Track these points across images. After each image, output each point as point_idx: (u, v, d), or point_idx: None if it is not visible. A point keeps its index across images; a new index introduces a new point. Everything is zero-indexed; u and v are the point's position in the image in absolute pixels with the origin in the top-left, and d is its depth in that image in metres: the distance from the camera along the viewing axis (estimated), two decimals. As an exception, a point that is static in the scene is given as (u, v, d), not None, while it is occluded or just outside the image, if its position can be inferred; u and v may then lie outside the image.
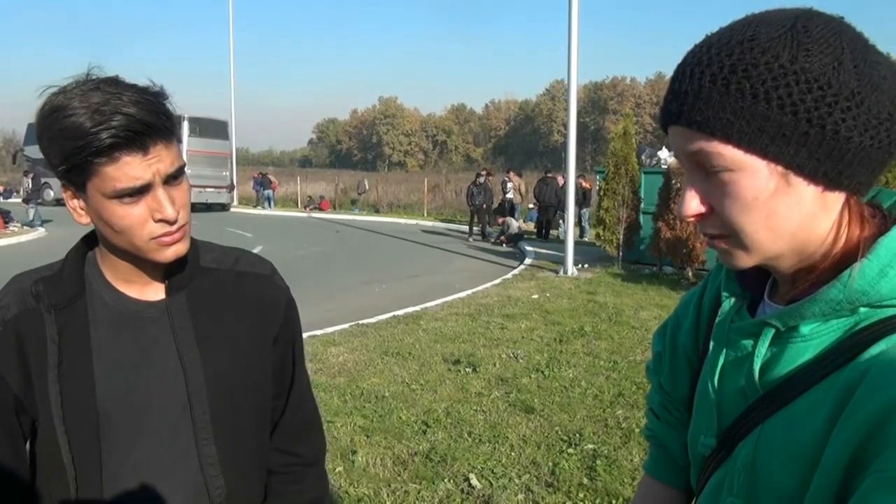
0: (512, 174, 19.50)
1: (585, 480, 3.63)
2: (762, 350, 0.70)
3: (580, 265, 11.22)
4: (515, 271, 11.39)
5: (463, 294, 9.14)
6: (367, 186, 29.49)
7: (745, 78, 0.61)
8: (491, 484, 3.59)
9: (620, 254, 11.28)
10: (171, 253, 0.97)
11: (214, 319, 1.07)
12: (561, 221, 15.56)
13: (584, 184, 16.89)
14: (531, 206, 19.31)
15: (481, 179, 17.91)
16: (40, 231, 17.42)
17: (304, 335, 1.27)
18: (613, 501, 3.41)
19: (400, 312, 7.84)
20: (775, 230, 0.65)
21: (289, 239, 16.82)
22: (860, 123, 0.60)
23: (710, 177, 0.66)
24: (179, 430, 1.03)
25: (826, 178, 0.62)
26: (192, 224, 1.01)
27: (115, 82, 0.91)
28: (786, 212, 0.64)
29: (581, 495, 3.47)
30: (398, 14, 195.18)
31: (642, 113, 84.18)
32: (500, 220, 17.06)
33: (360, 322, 7.30)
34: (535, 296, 8.96)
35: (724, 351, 0.76)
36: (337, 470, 3.71)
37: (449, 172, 44.28)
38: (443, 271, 12.08)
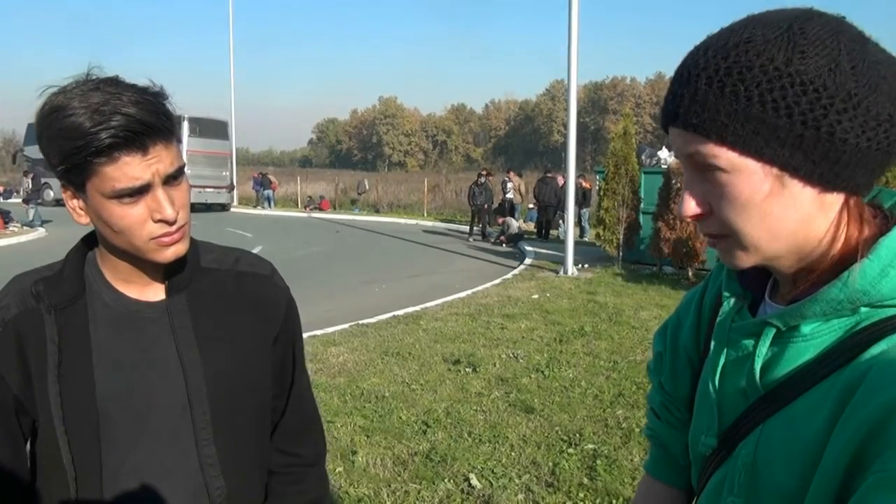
0: (512, 174, 19.50)
1: (585, 480, 3.63)
2: (763, 350, 0.70)
3: (580, 265, 11.22)
4: (515, 271, 11.40)
5: (463, 294, 9.14)
6: (367, 186, 29.50)
7: (739, 81, 0.61)
8: (491, 484, 3.59)
9: (620, 254, 11.28)
10: (170, 253, 0.97)
11: (214, 320, 1.07)
12: (561, 221, 15.56)
13: (584, 184, 16.89)
14: (531, 206, 19.31)
15: (482, 179, 17.91)
16: (40, 231, 17.42)
17: (304, 335, 1.27)
18: (614, 501, 3.41)
19: (400, 312, 7.85)
20: (772, 231, 0.65)
21: (289, 239, 16.82)
22: (857, 125, 0.60)
23: (707, 178, 0.66)
24: (179, 430, 1.03)
25: (822, 179, 0.62)
26: (191, 224, 1.01)
27: (115, 82, 0.91)
28: (782, 213, 0.64)
29: (581, 495, 3.47)
30: (398, 14, 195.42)
31: (642, 113, 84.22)
32: (500, 220, 17.06)
33: (360, 322, 7.31)
34: (536, 296, 8.96)
35: (725, 351, 0.76)
36: (337, 470, 3.71)
37: (449, 172, 44.29)
38: (443, 271, 12.08)
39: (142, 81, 0.94)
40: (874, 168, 0.63)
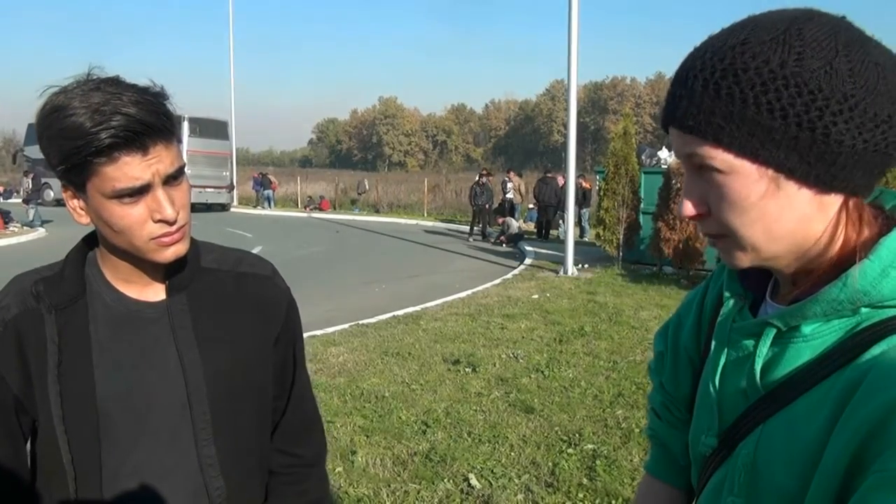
0: (512, 174, 19.50)
1: (585, 480, 3.63)
2: (764, 350, 0.70)
3: (580, 265, 11.22)
4: (515, 271, 11.40)
5: (463, 294, 9.14)
6: (367, 186, 29.50)
7: (735, 83, 0.62)
8: (490, 484, 3.59)
9: (620, 254, 11.28)
10: (170, 253, 0.97)
11: (215, 320, 1.07)
12: (561, 221, 15.56)
13: (584, 184, 16.89)
14: (531, 206, 19.31)
15: (484, 179, 17.92)
16: (40, 231, 17.42)
17: (304, 335, 1.27)
18: (613, 501, 3.41)
19: (400, 312, 7.85)
20: (770, 231, 0.65)
21: (289, 239, 16.82)
22: (853, 127, 0.60)
23: (705, 178, 0.67)
24: (179, 430, 1.03)
25: (819, 181, 0.62)
26: (191, 224, 1.01)
27: (115, 82, 0.91)
28: (779, 214, 0.64)
29: (581, 495, 3.47)
30: (398, 14, 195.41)
31: (642, 113, 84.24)
32: (500, 220, 17.06)
33: (360, 322, 7.31)
34: (535, 296, 8.96)
35: (726, 351, 0.77)
36: (337, 470, 3.71)
37: (449, 172, 44.27)
38: (443, 271, 12.08)
39: (142, 82, 0.94)
40: (873, 169, 0.63)
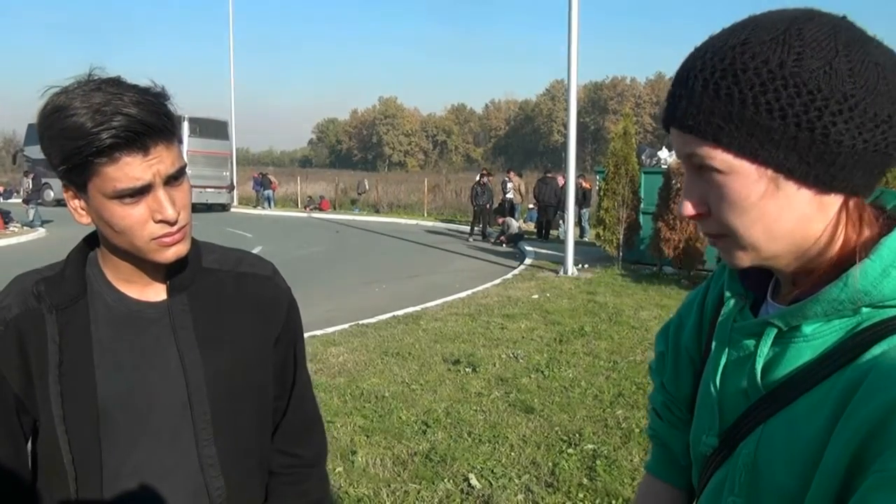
0: (512, 174, 19.50)
1: (585, 480, 3.63)
2: (764, 350, 0.70)
3: (580, 265, 11.23)
4: (515, 271, 11.40)
5: (463, 294, 9.14)
6: (367, 186, 29.50)
7: (734, 83, 0.62)
8: (491, 484, 3.59)
9: (620, 254, 11.28)
10: (171, 254, 0.98)
11: (216, 320, 1.07)
12: (561, 221, 15.56)
13: (584, 184, 16.89)
14: (531, 206, 19.31)
15: (484, 179, 17.93)
16: (40, 231, 17.42)
17: (304, 335, 1.27)
18: (613, 502, 3.41)
19: (400, 312, 7.85)
20: (769, 231, 0.65)
21: (289, 239, 16.82)
22: (853, 127, 0.60)
23: (705, 178, 0.67)
24: (180, 430, 1.03)
25: (818, 181, 0.62)
26: (192, 225, 1.01)
27: (116, 83, 0.91)
28: (778, 213, 0.64)
29: (581, 495, 3.47)
30: (398, 14, 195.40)
31: (642, 113, 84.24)
32: (500, 220, 17.06)
33: (360, 322, 7.31)
34: (535, 296, 8.96)
35: (727, 350, 0.77)
36: (337, 470, 3.71)
37: (449, 172, 44.27)
38: (443, 271, 12.08)
39: (143, 82, 0.94)
40: (873, 169, 0.63)
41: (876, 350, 0.62)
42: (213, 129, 25.49)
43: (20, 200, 20.62)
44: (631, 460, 3.86)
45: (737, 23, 0.66)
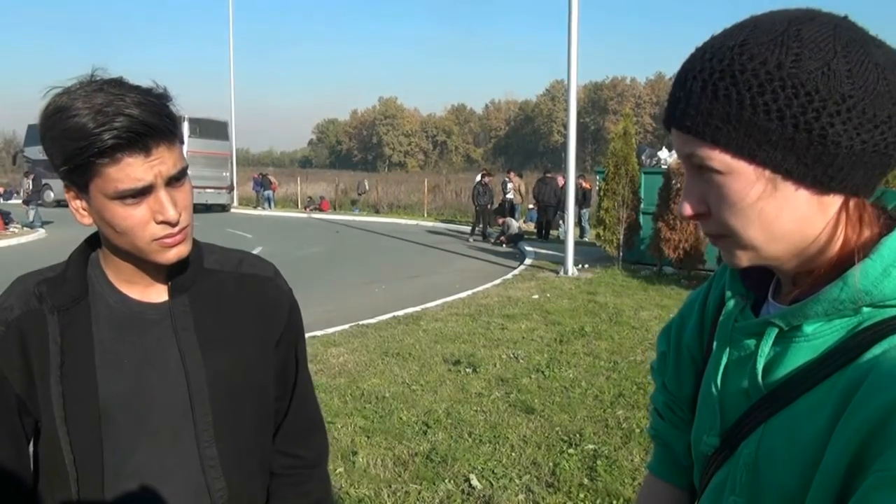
0: (512, 174, 19.50)
1: (586, 481, 3.63)
2: (765, 349, 0.71)
3: (580, 265, 11.22)
4: (515, 272, 11.39)
5: (463, 294, 9.14)
6: (367, 187, 29.50)
7: (732, 84, 0.62)
8: (491, 484, 3.59)
9: (620, 254, 11.28)
10: (172, 255, 0.98)
11: (217, 321, 1.07)
12: (561, 222, 15.56)
13: (584, 184, 16.89)
14: (531, 206, 19.32)
15: (486, 179, 17.95)
16: (40, 232, 17.42)
17: (305, 336, 1.27)
18: (614, 502, 3.41)
19: (400, 313, 7.85)
20: (768, 231, 0.65)
21: (289, 240, 16.82)
22: (851, 128, 0.60)
23: (704, 178, 0.67)
24: (181, 431, 1.03)
25: (816, 182, 0.63)
26: (193, 225, 1.02)
27: (118, 83, 0.91)
28: (776, 214, 0.64)
29: (581, 496, 3.47)
30: (398, 14, 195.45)
31: (642, 113, 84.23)
32: (501, 221, 17.06)
33: (361, 323, 7.31)
34: (536, 296, 8.96)
35: (728, 350, 0.77)
36: (337, 471, 3.71)
37: (449, 173, 44.31)
38: (443, 272, 12.08)
39: (145, 83, 0.94)
40: (873, 170, 0.63)
41: (877, 349, 0.62)
42: (213, 129, 25.49)
43: (20, 201, 20.63)
44: (631, 460, 3.86)
45: (737, 23, 0.66)
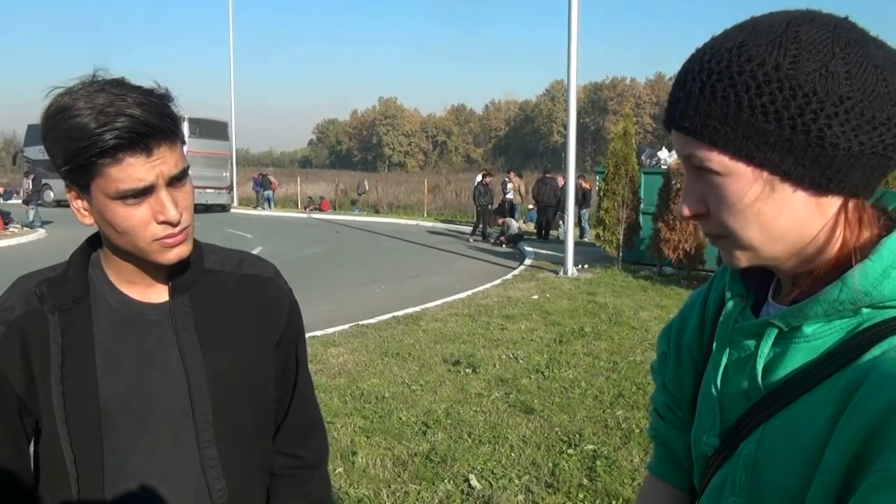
0: (512, 175, 19.50)
1: (585, 481, 3.63)
2: (765, 350, 0.71)
3: (580, 266, 11.23)
4: (515, 272, 11.39)
5: (463, 295, 9.14)
6: (367, 187, 29.50)
7: (730, 86, 0.62)
8: (491, 485, 3.60)
9: (620, 254, 11.28)
10: (173, 255, 0.98)
11: (217, 321, 1.07)
12: (561, 222, 15.56)
13: (583, 184, 16.89)
14: (531, 206, 19.32)
15: (487, 179, 17.96)
16: (40, 232, 17.43)
17: (305, 336, 1.27)
18: (613, 502, 3.41)
19: (400, 313, 7.85)
20: (766, 232, 0.66)
21: (289, 240, 16.82)
22: (849, 129, 0.60)
23: (704, 179, 0.67)
24: (181, 431, 1.03)
25: (814, 183, 0.63)
26: (194, 226, 1.02)
27: (120, 84, 0.92)
28: (774, 215, 0.65)
29: (581, 496, 3.47)
30: (398, 14, 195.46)
31: (642, 113, 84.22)
32: (500, 221, 17.07)
33: (360, 323, 7.31)
34: (535, 296, 8.96)
35: (728, 351, 0.77)
36: (337, 471, 3.71)
37: (449, 173, 44.30)
38: (443, 272, 12.08)
39: (147, 83, 0.95)
40: (872, 171, 0.63)
41: (876, 350, 0.62)
42: (212, 129, 25.50)
43: (20, 201, 20.63)
44: (631, 461, 3.86)
45: (737, 24, 0.66)
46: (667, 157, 11.56)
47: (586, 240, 15.57)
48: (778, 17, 0.63)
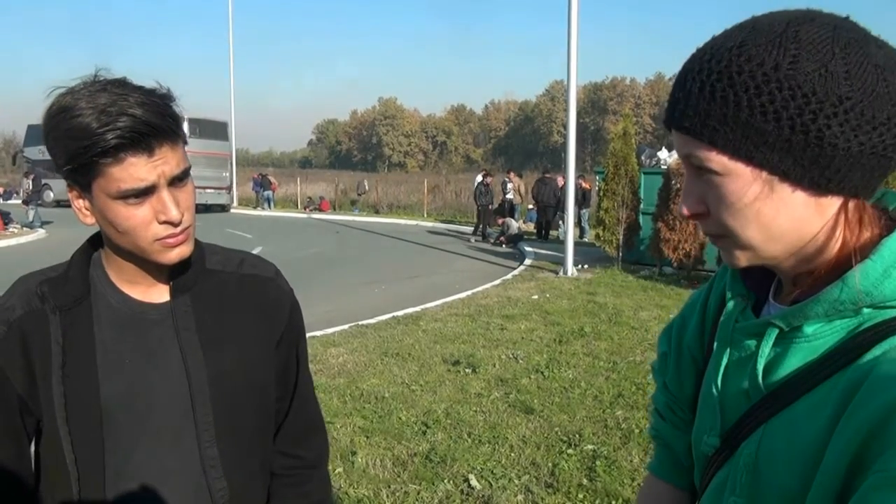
0: (512, 175, 19.50)
1: (585, 481, 3.63)
2: (766, 350, 0.71)
3: (580, 266, 11.23)
4: (515, 272, 11.39)
5: (463, 295, 9.14)
6: (366, 187, 29.50)
7: (729, 86, 0.62)
8: (490, 485, 3.60)
9: (620, 254, 11.28)
10: (175, 255, 0.98)
11: (218, 321, 1.07)
12: (560, 222, 15.56)
13: (583, 184, 16.90)
14: (530, 206, 19.33)
15: (487, 180, 17.97)
16: (40, 232, 17.42)
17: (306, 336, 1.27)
18: (613, 502, 3.41)
19: (400, 313, 7.85)
20: (766, 232, 0.66)
21: (289, 240, 16.81)
22: (848, 129, 0.60)
23: (703, 179, 0.67)
24: (182, 431, 1.03)
25: (813, 183, 0.63)
26: (195, 226, 1.02)
27: (122, 84, 0.92)
28: (773, 215, 0.65)
29: (581, 496, 3.47)
30: (398, 14, 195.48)
31: (642, 113, 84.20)
32: (500, 221, 17.07)
33: (360, 323, 7.31)
34: (535, 296, 8.96)
35: (728, 351, 0.77)
36: (337, 471, 3.71)
37: (449, 173, 44.31)
38: (443, 272, 12.08)
39: (149, 83, 0.95)
40: (871, 171, 0.63)
41: (877, 350, 0.62)
42: (212, 129, 25.49)
43: (20, 201, 20.63)
44: (631, 461, 3.86)
45: (738, 24, 0.66)
46: (667, 157, 11.56)
47: (586, 240, 15.57)
48: (778, 16, 0.63)
